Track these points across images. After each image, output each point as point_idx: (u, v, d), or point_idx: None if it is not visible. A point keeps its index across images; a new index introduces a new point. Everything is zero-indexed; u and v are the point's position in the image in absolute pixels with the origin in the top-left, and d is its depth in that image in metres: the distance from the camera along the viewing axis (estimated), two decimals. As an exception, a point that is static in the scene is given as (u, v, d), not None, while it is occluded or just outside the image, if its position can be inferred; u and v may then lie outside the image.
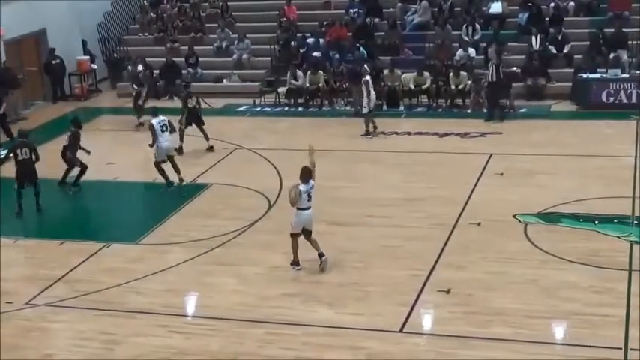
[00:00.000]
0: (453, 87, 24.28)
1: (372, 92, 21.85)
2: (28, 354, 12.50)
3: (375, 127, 21.98)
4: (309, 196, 14.23)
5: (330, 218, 16.11)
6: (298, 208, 14.23)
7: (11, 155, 18.30)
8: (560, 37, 25.32)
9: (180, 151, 20.79)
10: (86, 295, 14.06)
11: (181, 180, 19.02)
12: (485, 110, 23.06)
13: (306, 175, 14.24)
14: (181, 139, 21.23)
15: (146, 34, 30.00)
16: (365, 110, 21.86)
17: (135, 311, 13.44)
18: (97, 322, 13.24)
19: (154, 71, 26.96)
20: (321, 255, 14.37)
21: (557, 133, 21.57)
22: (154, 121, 18.91)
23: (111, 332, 12.85)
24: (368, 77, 22.18)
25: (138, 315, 13.32)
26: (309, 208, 14.29)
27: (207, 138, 21.47)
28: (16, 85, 25.82)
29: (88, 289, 14.28)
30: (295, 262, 14.56)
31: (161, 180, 18.99)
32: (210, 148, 21.41)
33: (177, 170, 18.99)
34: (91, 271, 15.09)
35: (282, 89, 25.69)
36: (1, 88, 24.48)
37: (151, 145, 18.98)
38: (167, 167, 19.00)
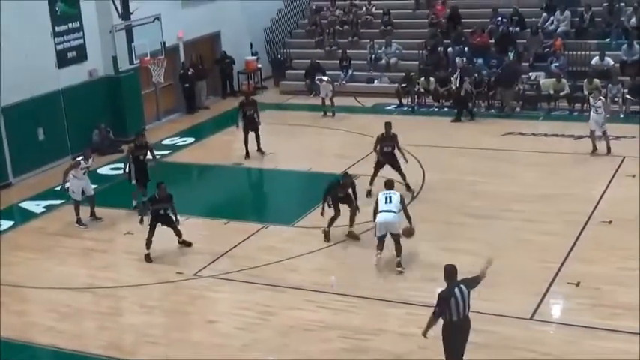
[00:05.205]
0: (586, 93, 23.50)
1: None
2: (193, 319, 13.03)
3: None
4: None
5: (467, 211, 15.97)
6: None
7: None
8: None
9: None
10: (246, 270, 14.45)
11: None
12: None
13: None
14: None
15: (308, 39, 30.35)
16: None
17: (287, 286, 13.73)
18: (254, 294, 13.61)
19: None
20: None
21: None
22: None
23: (266, 304, 13.18)
24: None
25: (290, 290, 13.61)
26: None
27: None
28: (203, 76, 26.87)
29: (248, 264, 14.67)
30: None
31: (316, 169, 19.49)
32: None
33: None
34: (251, 248, 15.48)
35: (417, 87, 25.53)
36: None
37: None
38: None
